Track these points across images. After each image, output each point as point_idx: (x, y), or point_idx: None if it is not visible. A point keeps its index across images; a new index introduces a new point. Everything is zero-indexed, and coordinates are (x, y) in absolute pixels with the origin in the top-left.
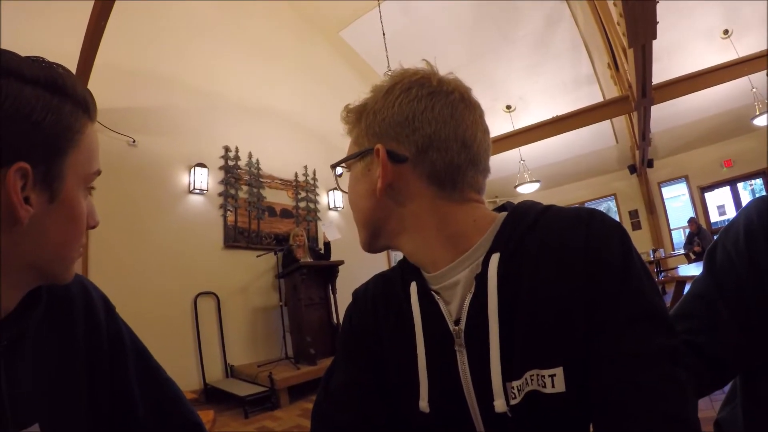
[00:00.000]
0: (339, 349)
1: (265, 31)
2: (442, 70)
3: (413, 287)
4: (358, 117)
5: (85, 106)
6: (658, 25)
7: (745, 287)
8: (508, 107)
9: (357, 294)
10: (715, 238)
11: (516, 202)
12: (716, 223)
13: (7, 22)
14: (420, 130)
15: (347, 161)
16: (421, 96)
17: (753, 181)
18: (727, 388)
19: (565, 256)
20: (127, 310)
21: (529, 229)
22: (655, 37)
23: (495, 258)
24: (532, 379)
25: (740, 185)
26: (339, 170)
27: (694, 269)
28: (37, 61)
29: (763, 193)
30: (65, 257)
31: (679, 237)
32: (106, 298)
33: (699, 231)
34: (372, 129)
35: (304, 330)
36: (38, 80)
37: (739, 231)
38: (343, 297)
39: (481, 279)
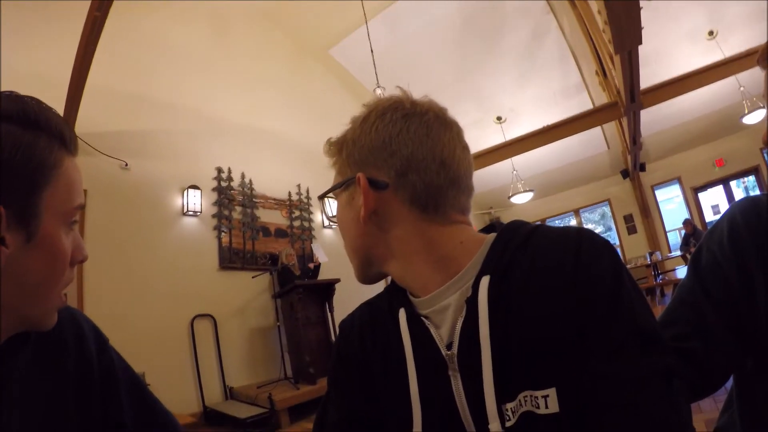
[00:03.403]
0: (330, 384)
1: (255, 51)
2: (432, 85)
3: (402, 313)
4: (339, 148)
5: (62, 139)
6: (643, 30)
7: (732, 288)
8: (499, 119)
9: (343, 325)
10: (699, 244)
11: (510, 211)
12: (711, 222)
13: None
14: (397, 153)
15: (332, 192)
16: (395, 119)
17: (746, 179)
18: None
19: (555, 277)
20: (123, 334)
21: (519, 251)
22: (640, 43)
23: (485, 281)
24: (525, 400)
25: (733, 183)
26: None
27: None
28: (9, 96)
29: (757, 190)
30: (45, 298)
31: (675, 239)
32: (97, 330)
33: (694, 232)
34: (352, 158)
35: (302, 349)
36: (9, 116)
37: (723, 232)
38: (340, 315)
39: (471, 302)
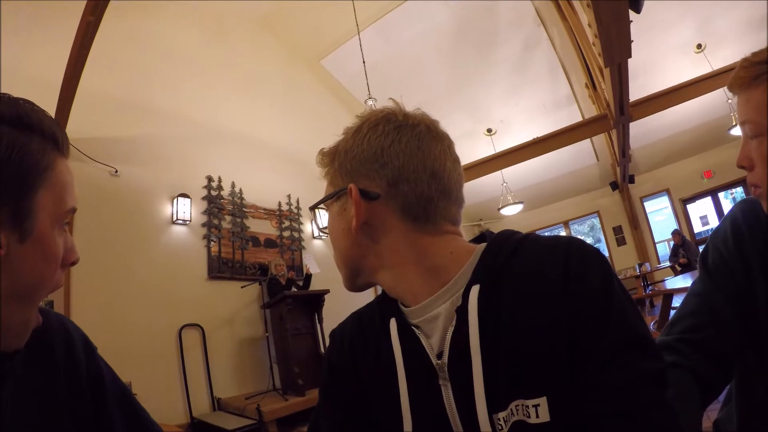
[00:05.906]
0: (321, 395)
1: (248, 60)
2: (423, 96)
3: (393, 323)
4: (332, 159)
5: (54, 141)
6: (632, 43)
7: (738, 281)
8: (489, 130)
9: (334, 334)
10: (706, 243)
11: (500, 224)
12: (700, 233)
13: None
14: (389, 164)
15: (324, 202)
16: (387, 131)
17: (734, 190)
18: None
19: (545, 285)
20: (110, 344)
21: (509, 260)
22: (630, 56)
23: (475, 290)
24: (517, 410)
25: (721, 195)
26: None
27: (681, 281)
28: (2, 99)
29: None
30: (32, 301)
31: (664, 250)
32: (86, 339)
33: (683, 243)
34: (344, 168)
35: (291, 360)
36: (2, 117)
37: (727, 231)
38: (329, 326)
39: (461, 311)
